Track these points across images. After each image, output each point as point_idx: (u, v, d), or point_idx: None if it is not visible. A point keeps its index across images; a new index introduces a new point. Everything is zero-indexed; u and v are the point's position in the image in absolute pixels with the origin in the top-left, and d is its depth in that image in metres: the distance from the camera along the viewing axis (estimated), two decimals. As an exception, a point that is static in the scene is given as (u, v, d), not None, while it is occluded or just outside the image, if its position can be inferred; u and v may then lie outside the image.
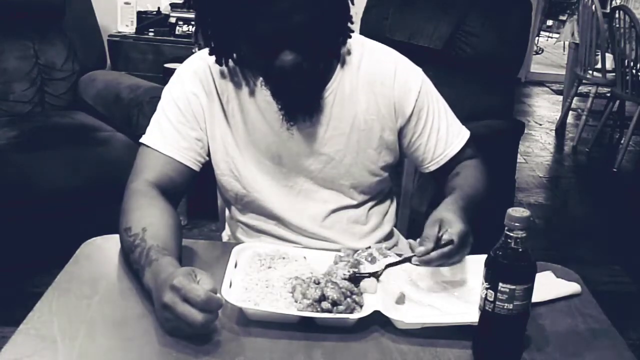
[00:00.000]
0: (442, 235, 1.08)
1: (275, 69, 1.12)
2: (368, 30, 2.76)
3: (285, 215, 1.31)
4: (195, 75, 1.26)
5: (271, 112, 1.24)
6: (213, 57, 1.21)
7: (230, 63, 1.23)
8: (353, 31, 1.23)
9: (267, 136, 1.26)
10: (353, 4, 1.19)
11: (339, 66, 1.25)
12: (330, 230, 1.32)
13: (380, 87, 1.27)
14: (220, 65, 1.22)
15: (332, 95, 1.25)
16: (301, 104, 1.21)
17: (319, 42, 1.13)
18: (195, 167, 1.26)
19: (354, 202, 1.33)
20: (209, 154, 1.28)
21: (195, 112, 1.25)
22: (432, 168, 1.33)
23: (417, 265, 1.08)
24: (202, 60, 1.26)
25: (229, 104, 1.26)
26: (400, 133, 1.31)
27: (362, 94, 1.26)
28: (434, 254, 1.06)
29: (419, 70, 1.32)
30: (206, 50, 1.22)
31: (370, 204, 1.36)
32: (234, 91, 1.26)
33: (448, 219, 1.10)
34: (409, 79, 1.28)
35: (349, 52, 1.26)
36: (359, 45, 1.27)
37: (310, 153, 1.27)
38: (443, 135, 1.31)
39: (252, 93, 1.25)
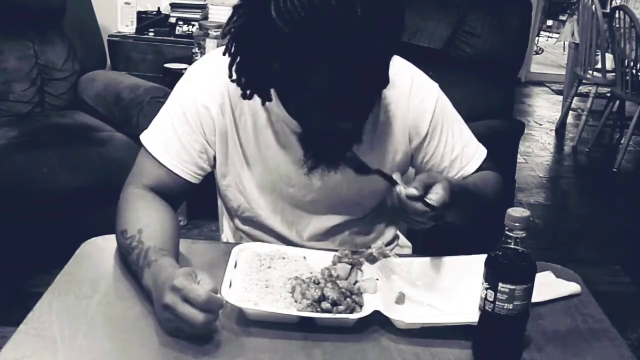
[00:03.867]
0: (430, 192, 1.04)
1: (329, 128, 1.07)
2: (368, 30, 2.75)
3: (286, 234, 1.29)
4: (209, 86, 1.19)
5: (284, 135, 1.19)
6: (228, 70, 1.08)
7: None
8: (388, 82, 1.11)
9: (277, 156, 1.21)
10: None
11: None
12: (332, 242, 1.30)
13: (395, 109, 1.21)
14: (245, 99, 1.10)
15: None
16: (331, 155, 1.15)
17: (372, 106, 1.12)
18: (195, 181, 1.23)
19: (358, 217, 1.32)
20: (213, 165, 1.25)
21: (204, 124, 1.19)
22: None
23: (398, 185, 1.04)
24: (217, 68, 1.16)
25: (242, 118, 1.20)
26: (414, 153, 1.26)
27: (380, 122, 1.21)
28: (414, 203, 1.03)
29: (434, 87, 1.25)
30: (219, 53, 1.11)
31: (373, 214, 1.33)
32: (247, 105, 1.18)
33: (445, 185, 1.05)
34: (424, 98, 1.22)
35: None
36: None
37: (318, 183, 1.23)
38: (458, 156, 1.26)
39: (266, 110, 1.18)
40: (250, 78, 1.07)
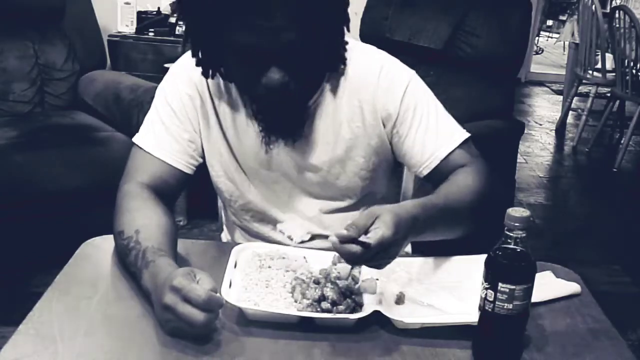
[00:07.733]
0: (367, 232, 0.96)
1: (261, 87, 1.08)
2: (368, 31, 2.76)
3: (279, 217, 1.30)
4: (189, 76, 1.24)
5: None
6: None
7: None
8: (346, 59, 1.19)
9: (256, 142, 1.24)
10: (349, 30, 1.15)
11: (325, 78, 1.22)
12: (325, 229, 1.31)
13: (364, 93, 1.21)
14: (206, 78, 1.18)
15: (318, 105, 1.22)
16: (282, 126, 1.19)
17: (308, 63, 1.10)
18: (189, 171, 1.25)
19: (346, 205, 1.32)
20: (202, 156, 1.27)
21: (189, 114, 1.24)
22: (425, 172, 1.24)
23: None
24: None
25: (221, 106, 1.25)
26: (390, 137, 1.26)
27: (346, 103, 1.22)
28: (346, 246, 0.94)
29: (407, 72, 1.25)
30: None
31: (363, 206, 1.33)
32: (225, 93, 1.24)
33: (385, 220, 0.97)
34: (394, 80, 1.22)
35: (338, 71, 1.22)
36: (347, 52, 1.21)
37: (297, 163, 1.25)
38: (432, 136, 1.22)
39: (242, 98, 1.23)
40: (204, 51, 1.14)
